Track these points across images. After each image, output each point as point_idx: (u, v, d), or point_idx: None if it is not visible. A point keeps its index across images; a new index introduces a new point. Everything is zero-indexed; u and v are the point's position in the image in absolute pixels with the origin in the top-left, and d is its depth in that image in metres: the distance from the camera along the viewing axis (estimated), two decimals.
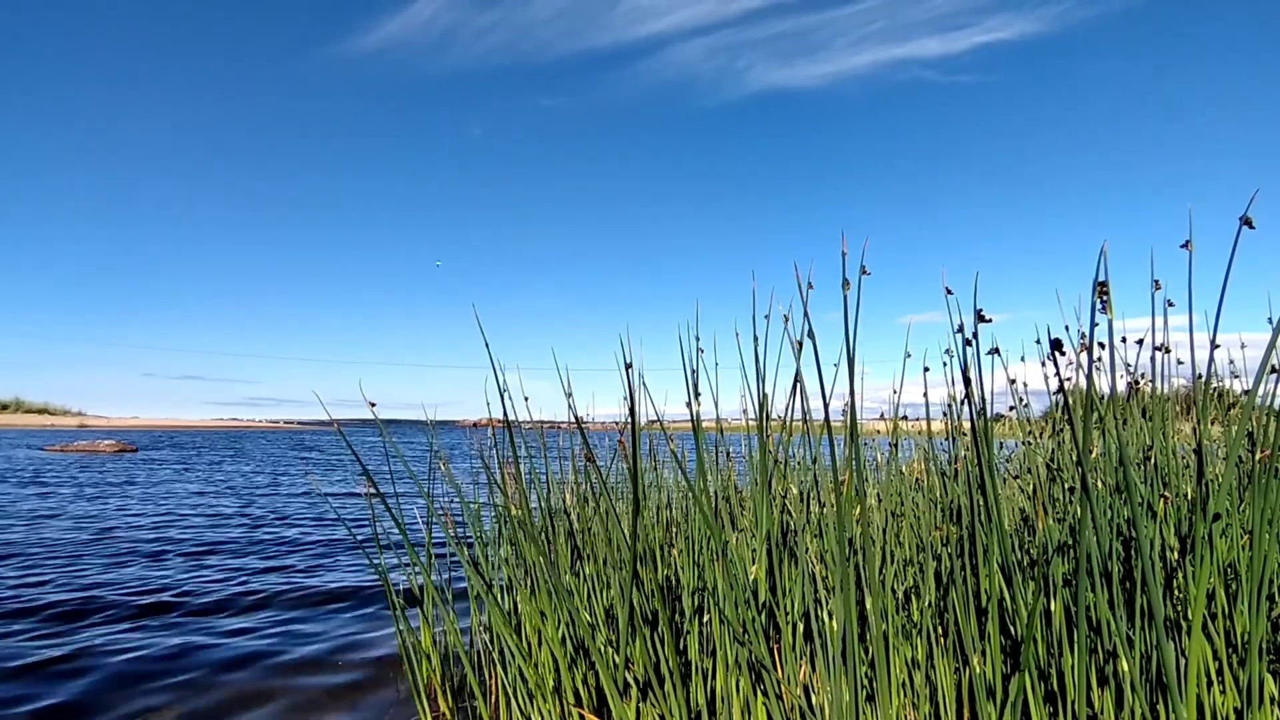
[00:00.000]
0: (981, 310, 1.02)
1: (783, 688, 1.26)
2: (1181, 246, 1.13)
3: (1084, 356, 1.28)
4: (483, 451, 1.93)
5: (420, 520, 2.14)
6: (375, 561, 2.02)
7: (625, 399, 1.28)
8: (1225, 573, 1.11)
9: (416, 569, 1.87)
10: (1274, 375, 1.11)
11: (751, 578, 1.35)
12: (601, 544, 1.64)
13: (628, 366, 1.39)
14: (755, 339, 1.39)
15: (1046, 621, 1.13)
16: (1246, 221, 1.02)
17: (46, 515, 5.74)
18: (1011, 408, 2.09)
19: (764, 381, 1.40)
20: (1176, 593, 1.15)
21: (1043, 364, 1.92)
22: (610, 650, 1.42)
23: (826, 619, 1.18)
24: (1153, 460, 1.29)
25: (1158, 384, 1.37)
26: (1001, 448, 2.18)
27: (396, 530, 1.77)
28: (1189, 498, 1.25)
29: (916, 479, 1.79)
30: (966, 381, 1.12)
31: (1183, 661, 1.03)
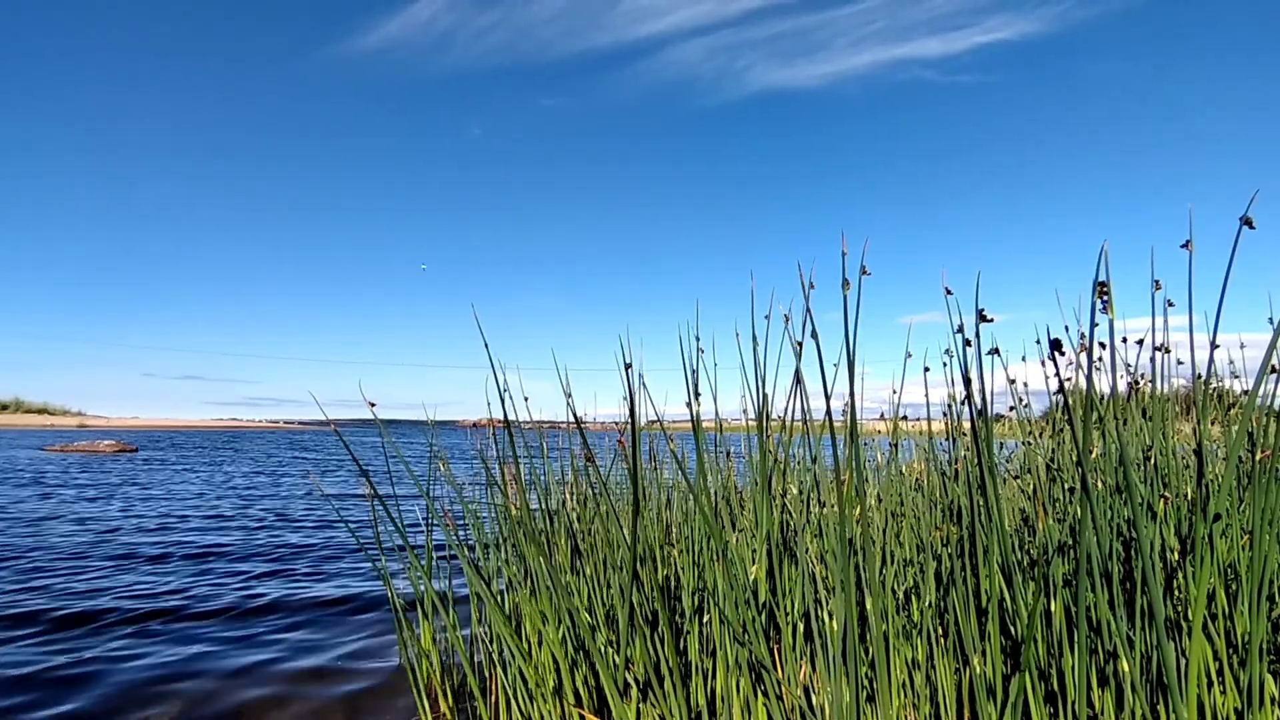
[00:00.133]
0: (983, 310, 1.02)
1: (783, 688, 1.26)
2: (1181, 247, 1.13)
3: (1084, 356, 1.28)
4: (483, 452, 1.93)
5: (421, 521, 2.14)
6: (375, 562, 2.02)
7: (625, 399, 1.28)
8: (1225, 573, 1.11)
9: (418, 572, 1.87)
10: (1274, 375, 1.11)
11: (751, 578, 1.35)
12: (602, 544, 1.64)
13: (627, 366, 1.39)
14: (755, 339, 1.39)
15: (1047, 622, 1.13)
16: (1247, 222, 1.02)
17: (47, 517, 5.74)
18: (1011, 408, 2.09)
19: (764, 381, 1.40)
20: (1177, 593, 1.15)
21: (1042, 364, 1.92)
22: (610, 651, 1.42)
23: (826, 619, 1.18)
24: (1153, 460, 1.29)
25: (1158, 384, 1.37)
26: (1002, 448, 2.18)
27: (397, 529, 1.77)
28: (1189, 498, 1.25)
29: (917, 479, 1.79)
30: (966, 382, 1.12)
31: (1183, 662, 1.03)
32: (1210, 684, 1.03)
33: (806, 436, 1.53)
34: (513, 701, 1.55)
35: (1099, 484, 1.24)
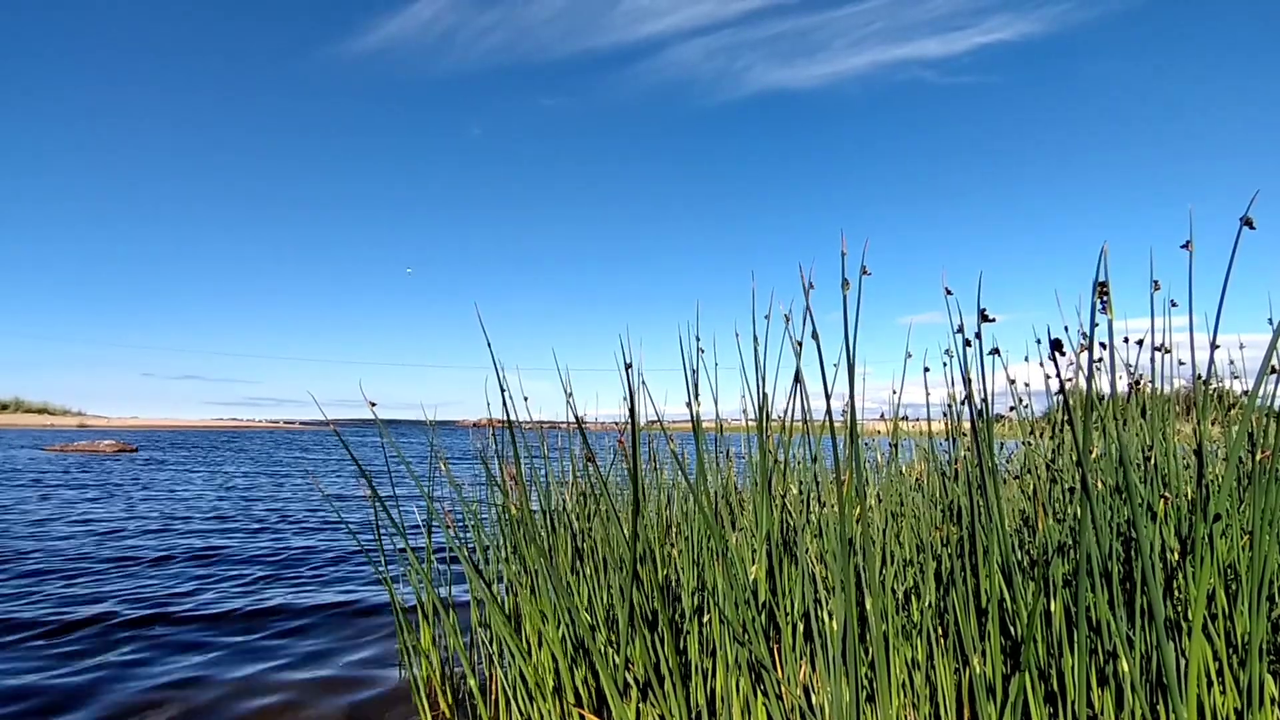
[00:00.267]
0: (985, 310, 1.02)
1: (783, 688, 1.26)
2: (1182, 247, 1.13)
3: (1084, 357, 1.28)
4: (483, 452, 1.93)
5: (421, 522, 2.14)
6: (375, 562, 2.02)
7: (625, 399, 1.28)
8: (1225, 573, 1.11)
9: (418, 572, 1.87)
10: (1274, 376, 1.11)
11: (751, 578, 1.35)
12: (602, 544, 1.64)
13: (628, 366, 1.39)
14: (755, 339, 1.39)
15: (1046, 622, 1.13)
16: (1247, 222, 1.02)
17: (47, 518, 5.73)
18: (1012, 408, 2.09)
19: (764, 381, 1.40)
20: (1177, 593, 1.15)
21: (1042, 364, 1.92)
22: (610, 650, 1.42)
23: (826, 619, 1.18)
24: (1153, 461, 1.29)
25: (1158, 385, 1.37)
26: (1002, 448, 2.18)
27: (398, 530, 1.77)
28: (1189, 498, 1.25)
29: (917, 479, 1.79)
30: (966, 382, 1.12)
31: (1183, 662, 1.03)
32: (1210, 684, 1.03)
33: (806, 436, 1.53)
34: (513, 701, 1.55)
35: (1099, 484, 1.24)
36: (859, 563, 1.22)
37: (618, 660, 1.36)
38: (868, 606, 1.12)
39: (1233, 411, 1.94)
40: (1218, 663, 1.05)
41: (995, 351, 1.17)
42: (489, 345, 1.57)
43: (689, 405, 1.47)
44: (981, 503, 1.16)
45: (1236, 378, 1.94)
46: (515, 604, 1.78)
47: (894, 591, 1.41)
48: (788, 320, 1.34)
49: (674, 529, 1.81)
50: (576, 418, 1.67)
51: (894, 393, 1.70)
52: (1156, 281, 1.24)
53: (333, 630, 2.68)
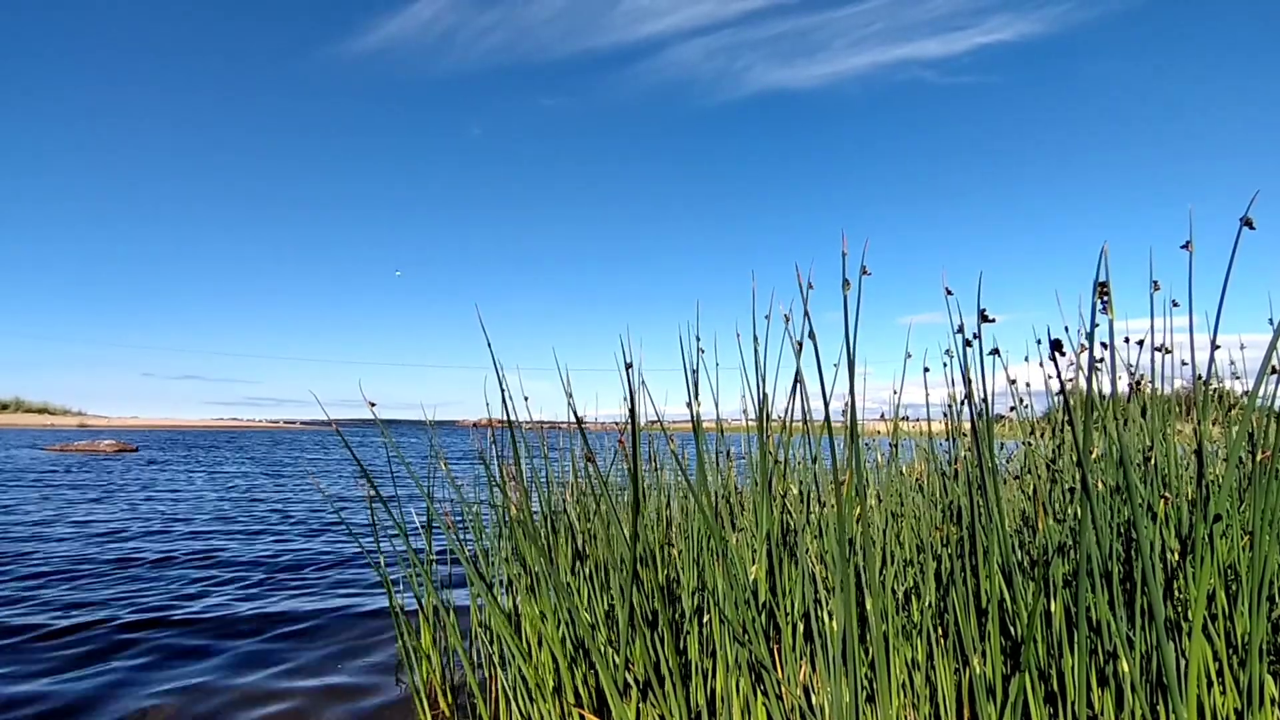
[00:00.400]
0: (985, 310, 1.02)
1: (783, 688, 1.26)
2: (1182, 247, 1.13)
3: (1084, 357, 1.28)
4: (483, 452, 1.93)
5: (420, 522, 2.14)
6: (375, 562, 2.01)
7: (625, 399, 1.28)
8: (1225, 574, 1.11)
9: (418, 571, 1.87)
10: (1274, 376, 1.11)
11: (751, 578, 1.35)
12: (602, 544, 1.64)
13: (628, 366, 1.39)
14: (755, 339, 1.39)
15: (1047, 622, 1.13)
16: (1247, 222, 1.02)
17: (46, 520, 5.73)
18: (1012, 408, 2.09)
19: (764, 382, 1.40)
20: (1177, 594, 1.15)
21: (1042, 364, 1.92)
22: (610, 650, 1.42)
23: (826, 619, 1.18)
24: (1153, 461, 1.29)
25: (1158, 385, 1.37)
26: (1002, 448, 2.18)
27: (399, 530, 1.77)
28: (1189, 499, 1.25)
29: (917, 479, 1.79)
30: (967, 382, 1.12)
31: (1183, 662, 1.03)
32: (1210, 684, 1.03)
33: (807, 437, 1.53)
34: (512, 701, 1.55)
35: (1099, 484, 1.24)
36: (859, 563, 1.22)
37: (618, 660, 1.36)
38: (868, 607, 1.12)
39: (1233, 412, 1.94)
40: (1218, 663, 1.05)
41: (995, 352, 1.17)
42: (489, 345, 1.57)
43: (689, 405, 1.47)
44: (981, 503, 1.16)
45: (1237, 378, 1.94)
46: (515, 604, 1.78)
47: (894, 592, 1.41)
48: (788, 320, 1.34)
49: (674, 529, 1.81)
50: (576, 418, 1.67)
51: (894, 393, 1.70)
52: (1156, 282, 1.24)
53: (335, 634, 2.68)
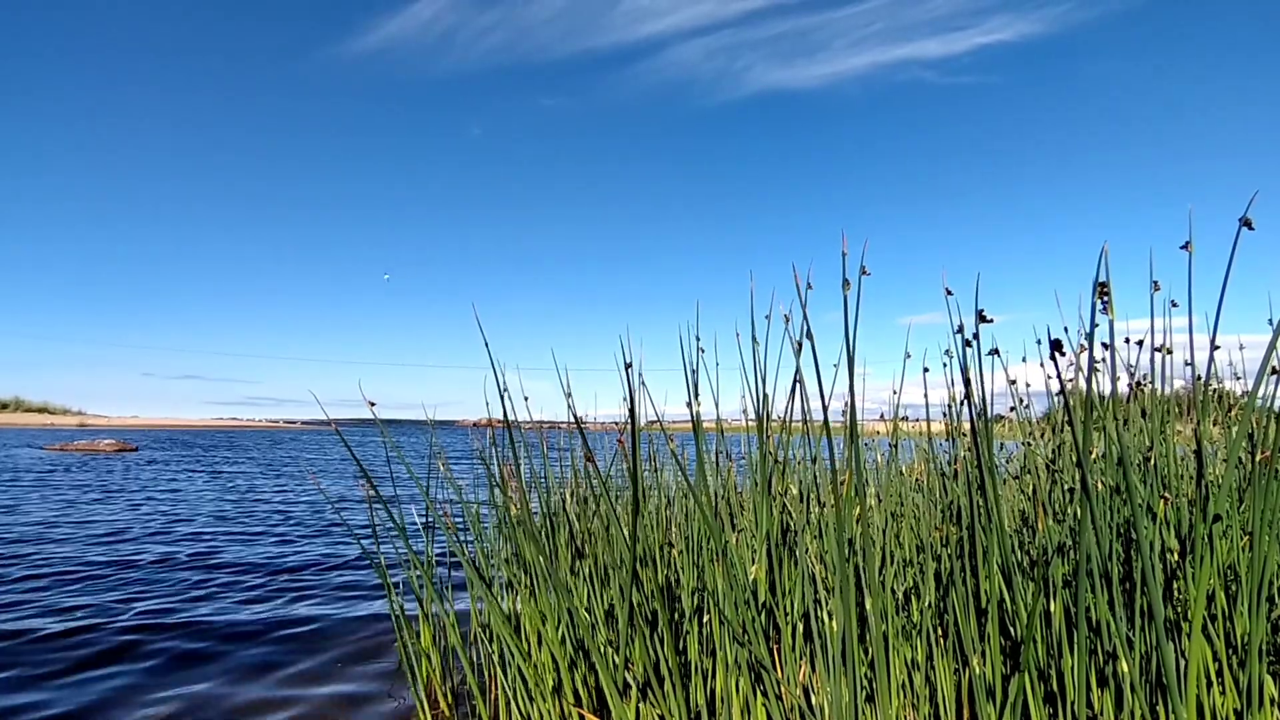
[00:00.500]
0: (983, 310, 1.02)
1: (782, 688, 1.26)
2: (1181, 248, 1.13)
3: (1084, 357, 1.28)
4: (483, 452, 1.93)
5: (421, 522, 2.14)
6: (375, 562, 2.01)
7: (625, 399, 1.28)
8: (1225, 574, 1.11)
9: (418, 572, 1.87)
10: (1274, 376, 1.11)
11: (751, 578, 1.35)
12: (601, 544, 1.64)
13: (628, 366, 1.39)
14: (755, 339, 1.39)
15: (1046, 622, 1.13)
16: (1246, 223, 1.02)
17: (46, 521, 5.72)
18: (1012, 408, 2.09)
19: (764, 382, 1.40)
20: (1176, 594, 1.15)
21: (1042, 365, 1.92)
22: (610, 650, 1.42)
23: (826, 619, 1.18)
24: (1153, 461, 1.29)
25: (1158, 385, 1.37)
26: (1002, 448, 2.18)
27: (399, 531, 1.77)
28: (1189, 499, 1.25)
29: (916, 479, 1.79)
30: (966, 382, 1.12)
31: (1182, 662, 1.03)
32: (1210, 685, 1.03)
33: (806, 437, 1.53)
34: (512, 701, 1.55)
35: (1099, 485, 1.24)
36: (859, 563, 1.22)
37: (617, 660, 1.36)
38: (867, 607, 1.12)
39: (1233, 412, 1.94)
40: (1217, 663, 1.05)
41: (995, 352, 1.17)
42: (486, 345, 1.57)
43: (689, 405, 1.47)
44: (981, 503, 1.16)
45: (1238, 378, 1.94)
46: (515, 605, 1.78)
47: (894, 592, 1.41)
48: (788, 320, 1.34)
49: (674, 529, 1.81)
50: (576, 418, 1.67)
51: (894, 393, 1.70)
52: (1157, 282, 1.24)
53: (335, 636, 2.68)
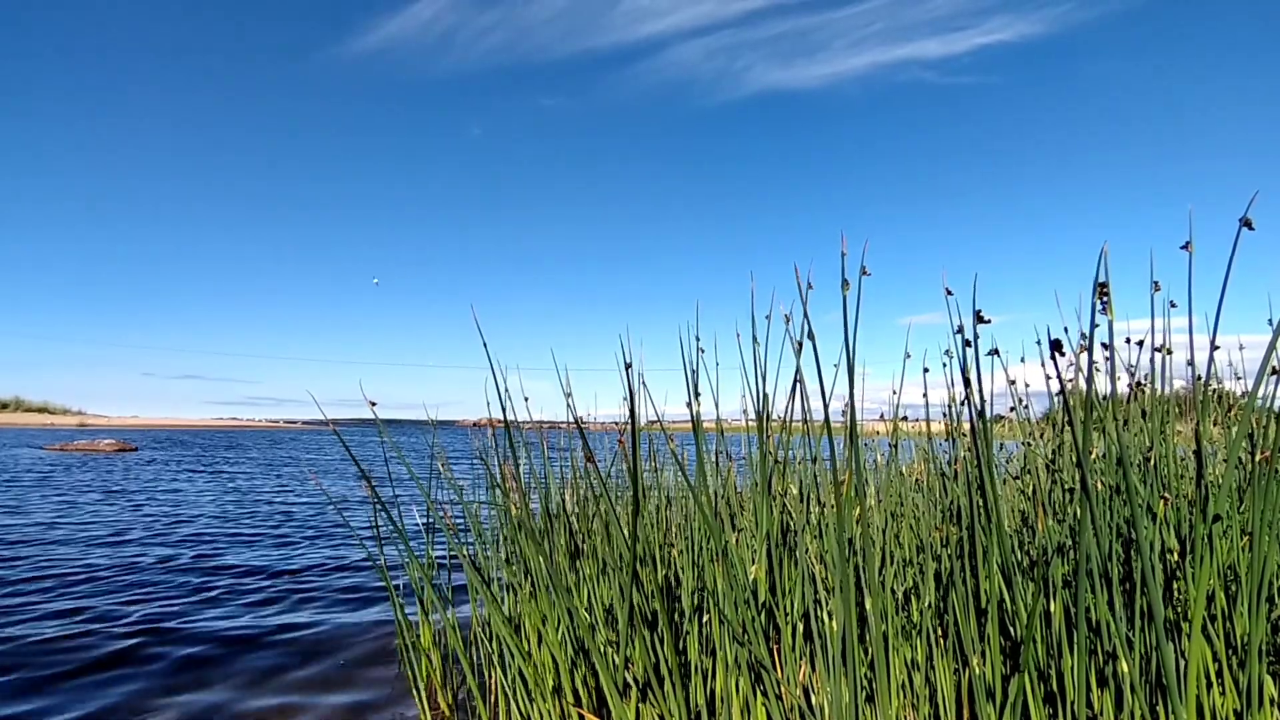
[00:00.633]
0: (980, 311, 1.02)
1: (782, 688, 1.26)
2: (1181, 248, 1.13)
3: (1084, 357, 1.28)
4: (483, 452, 1.93)
5: (421, 522, 2.14)
6: (376, 561, 2.01)
7: (625, 399, 1.28)
8: (1225, 574, 1.11)
9: (418, 572, 1.87)
10: (1274, 377, 1.11)
11: (751, 578, 1.35)
12: (601, 544, 1.64)
13: (628, 366, 1.39)
14: (755, 339, 1.39)
15: (1046, 623, 1.13)
16: (1246, 223, 1.02)
17: (44, 522, 5.72)
18: (1011, 409, 2.09)
19: (764, 382, 1.40)
20: (1176, 594, 1.15)
21: (1042, 365, 1.92)
22: (610, 650, 1.42)
23: (826, 619, 1.18)
24: (1153, 461, 1.29)
25: (1158, 385, 1.37)
26: (1002, 448, 2.18)
27: (398, 532, 1.77)
28: (1189, 499, 1.25)
29: (916, 480, 1.79)
30: (966, 382, 1.12)
31: (1182, 663, 1.03)
32: (1209, 685, 1.03)
33: (806, 437, 1.53)
34: (512, 701, 1.55)
35: (1099, 485, 1.24)
36: (859, 563, 1.22)
37: (617, 660, 1.36)
38: (867, 607, 1.12)
39: (1232, 412, 1.94)
40: (1217, 664, 1.05)
41: (995, 352, 1.17)
42: (485, 346, 1.57)
43: (689, 405, 1.47)
44: (981, 503, 1.16)
45: (1239, 378, 1.94)
46: (515, 604, 1.78)
47: (893, 592, 1.41)
48: (788, 320, 1.34)
49: (674, 529, 1.81)
50: (576, 418, 1.67)
51: (893, 393, 1.70)
52: (1157, 282, 1.24)
53: (336, 637, 2.68)
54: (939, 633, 1.30)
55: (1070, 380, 1.65)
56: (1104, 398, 1.48)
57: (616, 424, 1.88)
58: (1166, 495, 1.18)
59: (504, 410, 1.61)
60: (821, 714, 1.23)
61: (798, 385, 1.40)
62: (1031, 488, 1.71)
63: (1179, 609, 1.11)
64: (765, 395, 1.39)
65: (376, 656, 2.41)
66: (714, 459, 1.81)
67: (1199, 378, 1.28)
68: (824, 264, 1.22)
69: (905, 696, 1.29)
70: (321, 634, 2.65)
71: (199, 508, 6.52)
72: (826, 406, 1.12)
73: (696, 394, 1.47)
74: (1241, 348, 1.88)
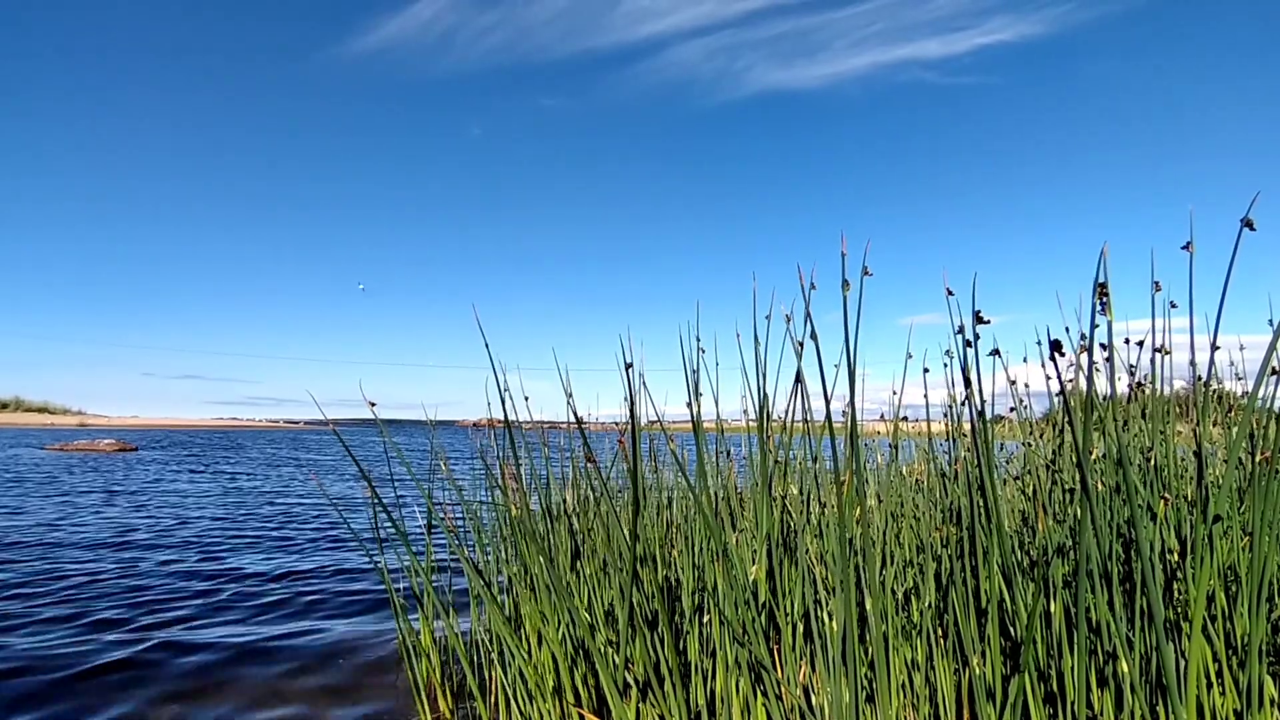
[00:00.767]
0: (980, 312, 1.02)
1: (782, 688, 1.26)
2: (1182, 248, 1.13)
3: (1084, 358, 1.28)
4: (483, 452, 1.93)
5: (421, 522, 2.14)
6: (378, 565, 2.01)
7: (626, 399, 1.28)
8: (1225, 574, 1.11)
9: (418, 572, 1.87)
10: (1274, 377, 1.11)
11: (751, 578, 1.35)
12: (602, 544, 1.64)
13: (628, 366, 1.39)
14: (756, 339, 1.39)
15: (1046, 623, 1.13)
16: (1247, 223, 1.02)
17: (42, 524, 5.71)
18: (1012, 409, 2.09)
19: (765, 382, 1.40)
20: (1176, 594, 1.15)
21: (1043, 365, 1.92)
22: (610, 650, 1.42)
23: (826, 620, 1.18)
24: (1153, 462, 1.29)
25: (1159, 386, 1.37)
26: (1002, 449, 2.18)
27: (398, 532, 1.77)
28: (1189, 499, 1.25)
29: (917, 480, 1.79)
30: (967, 383, 1.12)
31: (1182, 663, 1.03)
32: (1210, 685, 1.03)
33: (807, 437, 1.53)
34: (512, 701, 1.55)
35: (1099, 485, 1.24)
36: (859, 563, 1.22)
37: (618, 660, 1.36)
38: (867, 607, 1.12)
39: (1233, 413, 1.94)
40: (1217, 664, 1.05)
41: (995, 352, 1.17)
42: (486, 346, 1.57)
43: (689, 405, 1.47)
44: (981, 503, 1.16)
45: (1239, 378, 1.94)
46: (515, 604, 1.78)
47: (894, 592, 1.41)
48: (788, 320, 1.34)
49: (674, 529, 1.81)
50: (577, 418, 1.67)
51: (894, 393, 1.70)
52: (1158, 282, 1.24)
53: (339, 641, 2.67)
54: (939, 633, 1.30)
55: (1070, 380, 1.65)
56: (1104, 398, 1.48)
57: (617, 424, 1.88)
58: (1166, 495, 1.18)
59: (504, 410, 1.61)
60: (821, 714, 1.23)
61: (798, 385, 1.40)
62: (1032, 488, 1.71)
63: (1179, 609, 1.11)
64: (766, 395, 1.39)
65: (379, 660, 2.40)
66: (714, 459, 1.81)
67: (1199, 378, 1.28)
68: (825, 264, 1.22)
69: (905, 696, 1.29)
70: (325, 639, 2.64)
71: (201, 509, 6.52)
72: (827, 406, 1.12)
73: (697, 394, 1.47)
74: (1242, 348, 1.88)
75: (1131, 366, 1.55)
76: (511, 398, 1.63)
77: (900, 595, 1.42)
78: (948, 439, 1.61)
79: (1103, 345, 1.21)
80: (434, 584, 1.88)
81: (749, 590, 1.32)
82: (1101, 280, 0.91)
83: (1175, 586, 1.15)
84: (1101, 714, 1.09)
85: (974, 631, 1.15)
